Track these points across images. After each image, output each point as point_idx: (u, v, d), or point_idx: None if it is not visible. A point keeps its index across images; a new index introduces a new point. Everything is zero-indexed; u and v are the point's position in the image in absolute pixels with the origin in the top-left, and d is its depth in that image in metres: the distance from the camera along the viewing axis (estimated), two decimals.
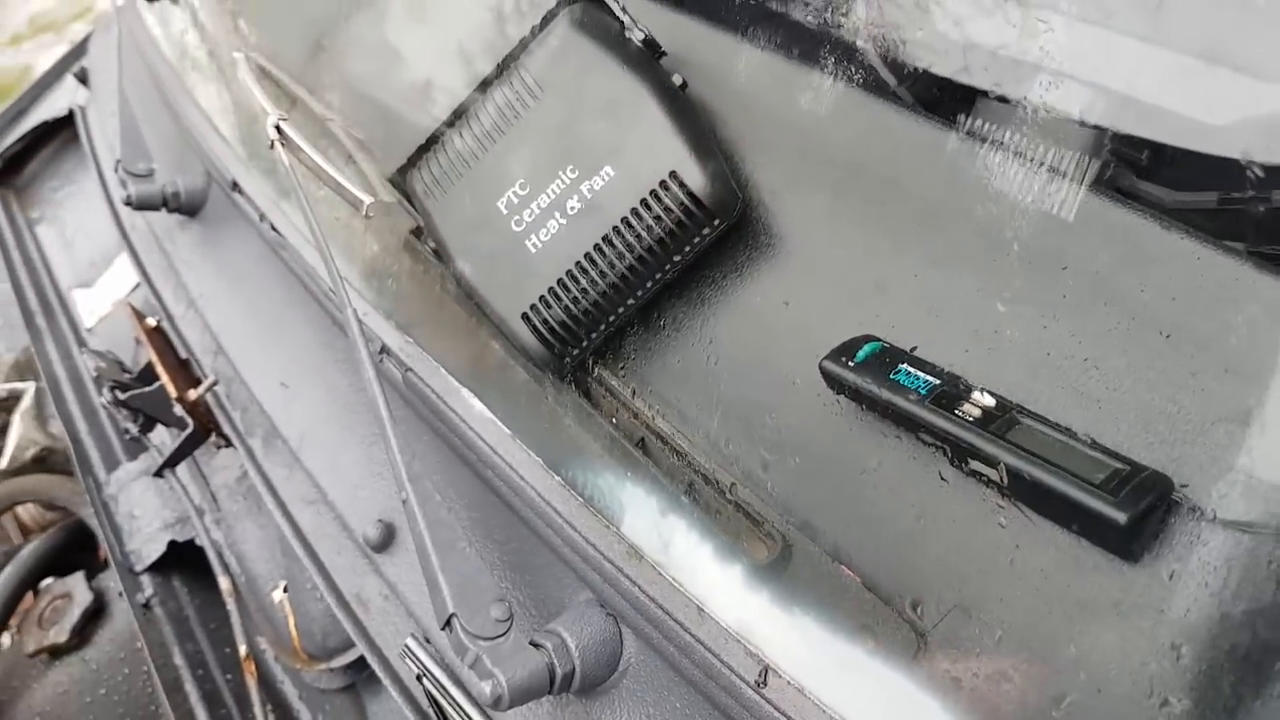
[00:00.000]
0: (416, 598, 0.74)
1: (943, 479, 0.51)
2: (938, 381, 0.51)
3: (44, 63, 4.61)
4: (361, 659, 0.83)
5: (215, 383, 0.95)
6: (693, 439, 0.63)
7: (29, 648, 1.20)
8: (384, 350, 0.77)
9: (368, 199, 0.76)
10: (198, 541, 1.02)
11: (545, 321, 0.67)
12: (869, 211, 0.61)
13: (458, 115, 0.74)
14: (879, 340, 0.55)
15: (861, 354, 0.54)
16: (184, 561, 1.06)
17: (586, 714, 0.65)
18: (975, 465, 0.49)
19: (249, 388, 0.95)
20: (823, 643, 0.55)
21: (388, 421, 0.66)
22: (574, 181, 0.66)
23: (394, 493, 0.75)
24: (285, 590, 0.90)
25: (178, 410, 0.96)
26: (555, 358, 0.67)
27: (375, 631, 0.77)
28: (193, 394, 0.94)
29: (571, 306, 0.66)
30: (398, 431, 0.66)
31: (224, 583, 0.92)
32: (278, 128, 0.82)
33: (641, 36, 0.70)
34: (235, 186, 1.02)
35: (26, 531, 1.63)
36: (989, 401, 0.50)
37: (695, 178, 0.63)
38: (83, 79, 1.85)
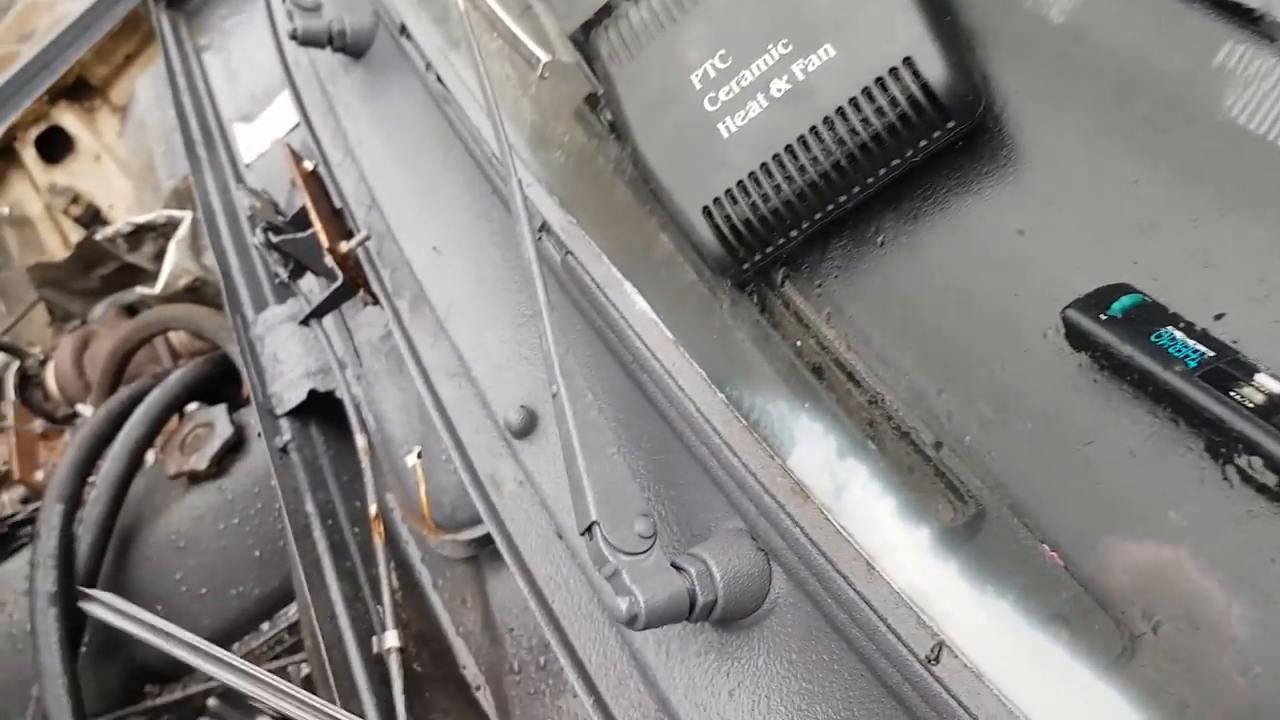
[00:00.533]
0: (553, 489, 0.71)
1: (1199, 472, 0.43)
2: (1211, 353, 0.42)
3: None
4: (487, 535, 0.81)
5: (367, 237, 0.93)
6: (891, 382, 0.56)
7: (170, 470, 1.25)
8: (544, 228, 0.72)
9: (545, 56, 0.69)
10: (338, 394, 1.02)
11: (728, 219, 0.60)
12: (1143, 134, 0.50)
13: None
14: (1140, 293, 0.46)
15: (1117, 306, 0.45)
16: (323, 411, 1.07)
17: (721, 644, 0.61)
18: (1245, 462, 0.41)
19: (400, 247, 0.92)
20: (1010, 626, 0.49)
21: (545, 308, 0.60)
22: (785, 58, 0.58)
23: (541, 379, 0.71)
24: (420, 456, 0.89)
25: (328, 261, 0.94)
26: (735, 261, 0.61)
27: (506, 515, 0.75)
28: (344, 246, 0.92)
29: (761, 204, 0.58)
30: (554, 319, 0.61)
31: (360, 440, 0.91)
32: None
33: None
34: (403, 30, 0.96)
35: (176, 356, 1.70)
36: (1276, 387, 0.41)
37: (933, 67, 0.53)
38: None
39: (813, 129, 0.56)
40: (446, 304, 0.83)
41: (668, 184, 0.62)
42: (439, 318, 0.84)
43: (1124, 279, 0.49)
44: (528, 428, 0.71)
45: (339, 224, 0.98)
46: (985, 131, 0.55)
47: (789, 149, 0.57)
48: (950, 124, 0.54)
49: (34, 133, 1.97)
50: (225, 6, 1.85)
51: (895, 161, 0.56)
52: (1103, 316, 0.45)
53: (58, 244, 2.00)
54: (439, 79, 0.87)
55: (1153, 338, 0.43)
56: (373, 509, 0.94)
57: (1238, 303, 0.45)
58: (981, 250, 0.54)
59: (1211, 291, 0.46)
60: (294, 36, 1.05)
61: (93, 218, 1.96)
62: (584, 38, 0.70)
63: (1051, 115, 0.54)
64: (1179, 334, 0.43)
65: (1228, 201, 0.47)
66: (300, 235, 0.98)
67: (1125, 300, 0.45)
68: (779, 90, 0.58)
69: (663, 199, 0.63)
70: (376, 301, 0.95)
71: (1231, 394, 0.40)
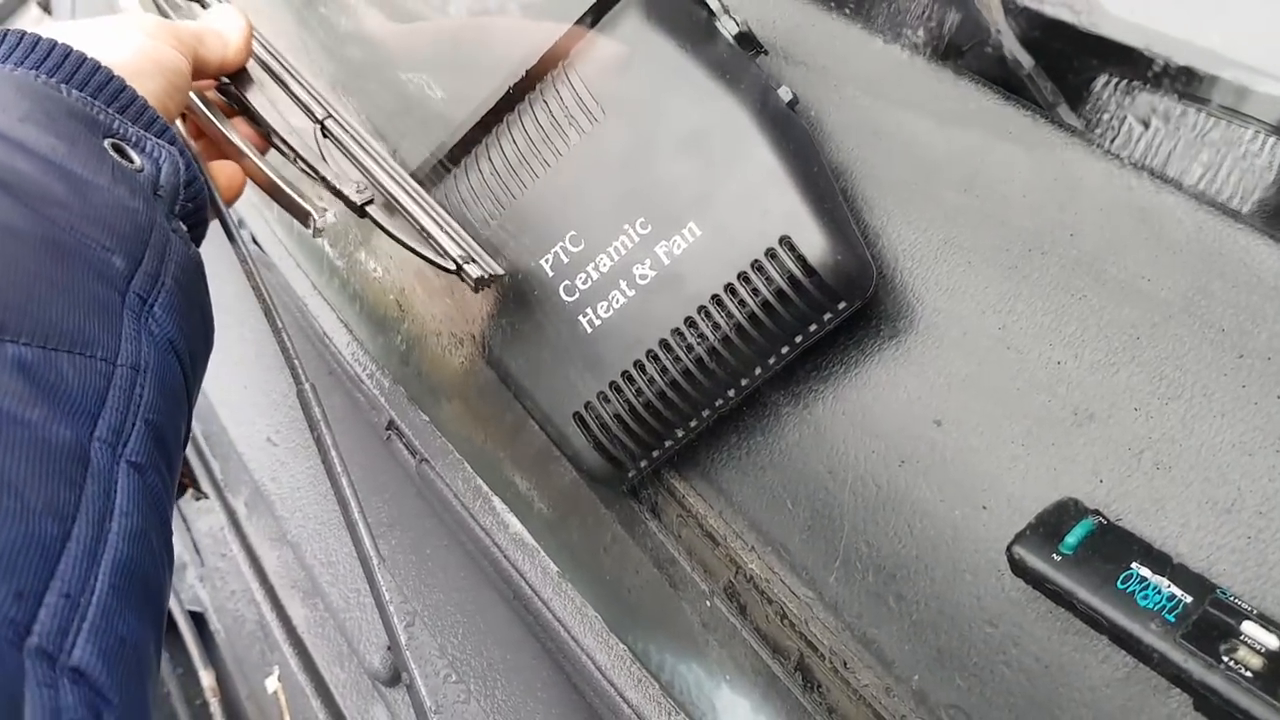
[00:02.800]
0: None
1: None
2: (1188, 597, 0.37)
3: None
4: None
5: (195, 435, 0.81)
6: (801, 594, 0.49)
7: None
8: (391, 426, 0.63)
9: (325, 211, 0.58)
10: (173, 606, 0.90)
11: (604, 426, 0.52)
12: (1072, 299, 0.45)
13: (485, 127, 0.58)
14: (1092, 515, 0.41)
15: (1071, 539, 0.39)
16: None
17: None
18: None
19: (229, 435, 0.81)
20: None
21: (371, 552, 0.51)
22: (645, 240, 0.51)
23: (396, 623, 0.62)
24: (281, 680, 0.78)
25: None
26: (618, 471, 0.53)
27: None
28: None
29: (639, 406, 0.51)
30: (384, 569, 0.52)
31: (206, 677, 0.79)
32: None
33: (735, 30, 0.53)
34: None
35: None
36: (1272, 642, 0.35)
37: (815, 245, 0.47)
38: None
39: (687, 320, 0.50)
40: (290, 508, 0.73)
41: (530, 388, 0.54)
42: (281, 522, 0.74)
43: (1064, 482, 0.43)
44: (397, 675, 0.61)
45: None
46: (883, 302, 0.49)
47: (663, 344, 0.50)
48: (840, 305, 0.48)
49: None
50: None
51: (784, 350, 0.49)
52: (1056, 556, 0.38)
53: None
54: (246, 245, 0.78)
55: (1120, 582, 0.37)
56: None
57: (1198, 511, 0.40)
58: (893, 443, 0.48)
59: (1166, 496, 0.41)
60: None
61: None
62: (436, 184, 0.61)
63: (961, 276, 0.48)
64: (1147, 573, 0.37)
65: (1170, 386, 0.42)
66: None
67: (1079, 530, 0.39)
68: (644, 277, 0.51)
69: (526, 404, 0.55)
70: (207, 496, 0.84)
71: (1223, 658, 0.35)
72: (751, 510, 0.51)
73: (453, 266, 0.53)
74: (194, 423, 0.86)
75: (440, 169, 0.60)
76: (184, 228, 0.46)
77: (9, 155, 0.38)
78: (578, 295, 0.53)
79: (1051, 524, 0.40)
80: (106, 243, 0.39)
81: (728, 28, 0.54)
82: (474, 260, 0.53)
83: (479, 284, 0.53)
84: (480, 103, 0.58)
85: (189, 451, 0.83)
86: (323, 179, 0.55)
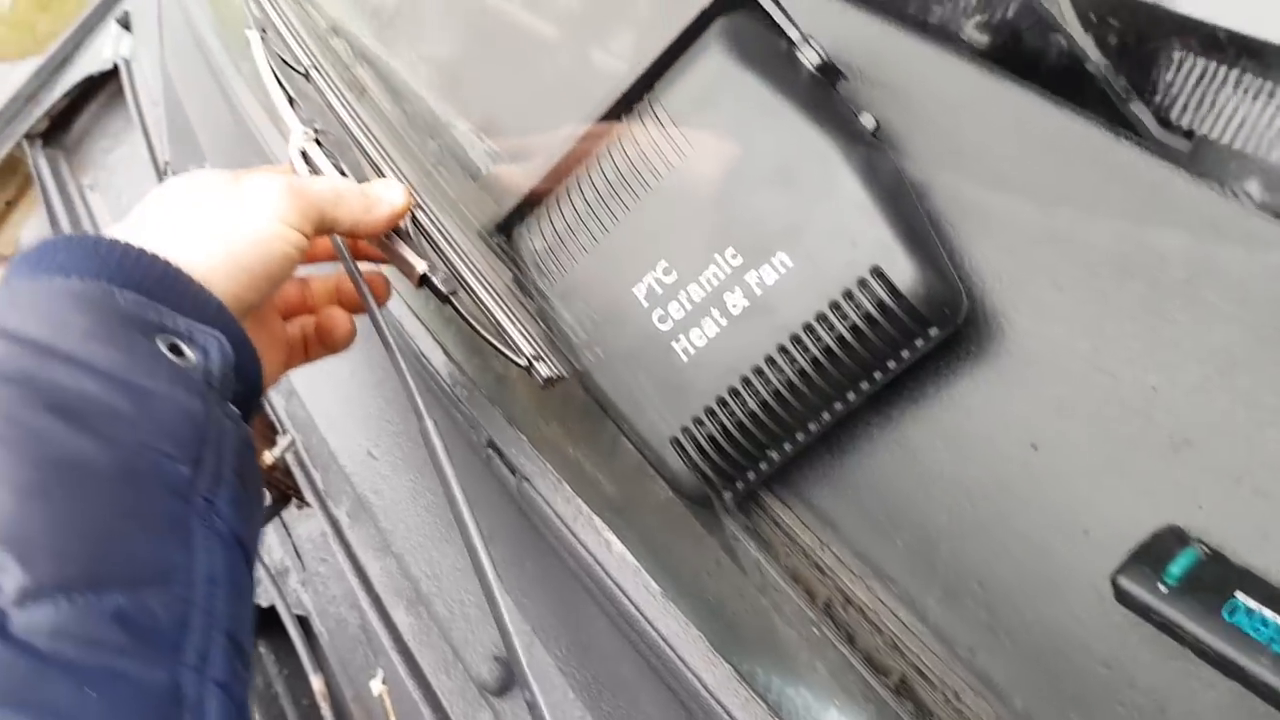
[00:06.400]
0: None
1: None
2: None
3: None
4: None
5: (292, 443, 0.86)
6: (904, 618, 0.51)
7: None
8: (491, 445, 0.66)
9: (420, 264, 0.61)
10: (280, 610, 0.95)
11: (701, 449, 0.54)
12: (1165, 323, 0.46)
13: (572, 162, 0.61)
14: (1196, 545, 0.42)
15: (1176, 569, 0.40)
16: (265, 628, 0.99)
17: None
18: None
19: (329, 446, 0.85)
20: None
21: (491, 572, 0.54)
22: (737, 271, 0.53)
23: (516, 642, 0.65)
24: (385, 683, 0.82)
25: None
26: (715, 493, 0.55)
27: None
28: (268, 456, 0.85)
29: (734, 430, 0.53)
30: (502, 589, 0.55)
31: (316, 682, 0.84)
32: (304, 154, 0.68)
33: (817, 60, 0.55)
34: None
35: None
36: None
37: (906, 274, 0.49)
38: (126, 24, 1.74)
39: (780, 348, 0.51)
40: (392, 520, 0.77)
41: (627, 413, 0.57)
42: (384, 534, 0.78)
43: (1163, 508, 0.44)
44: (505, 684, 0.64)
45: (260, 425, 0.91)
46: (974, 328, 0.51)
47: (757, 371, 0.52)
48: (932, 331, 0.49)
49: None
50: (106, 139, 1.77)
51: (877, 375, 0.51)
52: (1162, 585, 0.40)
53: None
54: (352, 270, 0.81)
55: (1225, 613, 0.38)
56: None
57: None
58: (993, 468, 0.49)
59: (1269, 524, 0.42)
60: None
61: None
62: (503, 237, 0.64)
63: (1047, 305, 0.49)
64: (1254, 604, 0.38)
65: (1269, 413, 0.43)
66: None
67: (1183, 560, 0.40)
68: (736, 306, 0.53)
69: (623, 429, 0.57)
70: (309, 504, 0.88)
71: None
72: (849, 532, 0.53)
73: (524, 362, 0.56)
74: (294, 433, 0.91)
75: (524, 208, 0.63)
76: (236, 410, 0.48)
77: (76, 379, 0.40)
78: (671, 323, 0.55)
79: (1154, 553, 0.42)
80: (172, 452, 0.41)
81: (809, 58, 0.55)
82: (544, 358, 0.56)
83: (548, 383, 0.56)
84: (561, 142, 0.60)
85: (291, 461, 0.88)
86: (411, 267, 0.58)
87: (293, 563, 0.96)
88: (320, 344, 0.65)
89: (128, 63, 1.63)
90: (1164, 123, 0.71)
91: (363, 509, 0.81)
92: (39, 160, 1.77)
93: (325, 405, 0.87)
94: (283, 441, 0.86)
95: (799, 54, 0.55)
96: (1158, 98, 0.76)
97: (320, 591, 0.92)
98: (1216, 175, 0.59)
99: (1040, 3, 0.76)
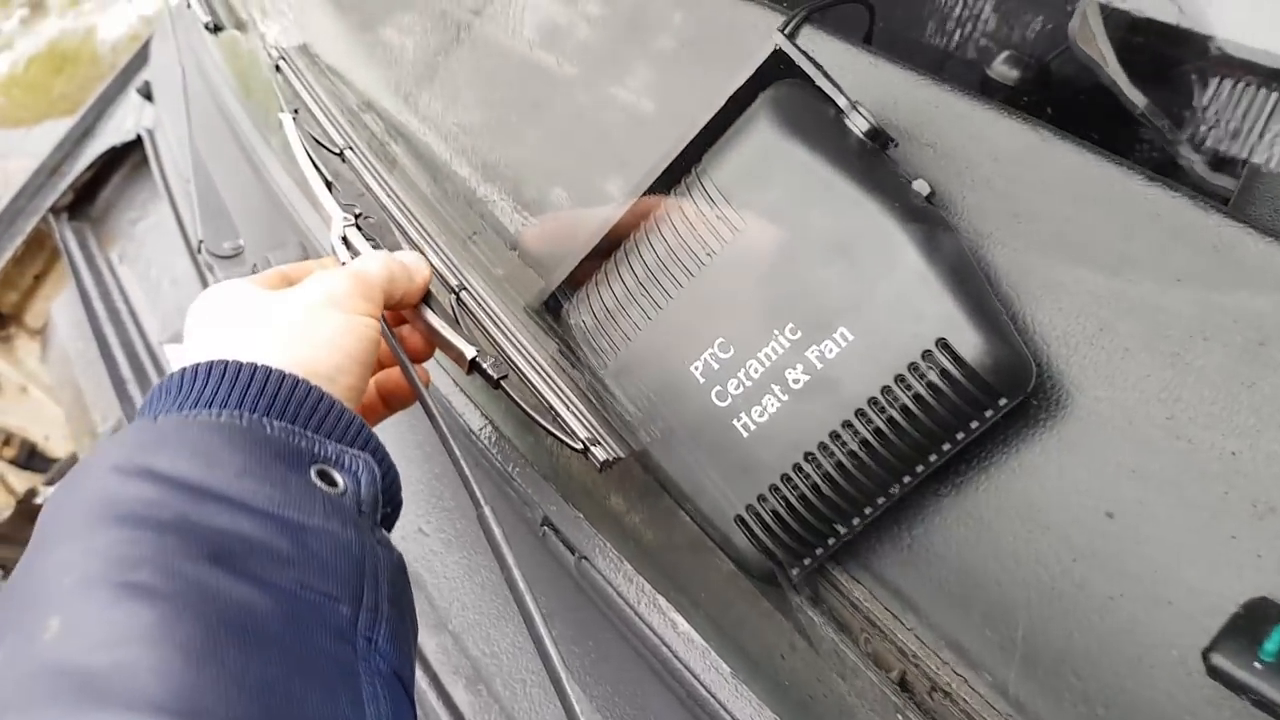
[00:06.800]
0: None
1: None
2: None
3: (107, 25, 4.59)
4: None
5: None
6: (984, 693, 0.50)
7: None
8: (546, 523, 0.66)
9: (469, 350, 0.62)
10: None
11: (766, 526, 0.54)
12: (1242, 387, 0.45)
13: (618, 235, 0.61)
14: None
15: (1271, 644, 0.39)
16: None
17: None
18: None
19: None
20: None
21: (555, 655, 0.54)
22: (796, 346, 0.53)
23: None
24: None
25: None
26: (782, 570, 0.55)
27: None
28: None
29: (800, 507, 0.53)
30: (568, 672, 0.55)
31: None
32: (345, 239, 0.69)
33: (866, 126, 0.55)
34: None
35: None
36: None
37: (971, 344, 0.48)
38: (147, 95, 1.76)
39: (845, 423, 0.51)
40: (446, 597, 0.77)
41: (689, 491, 0.56)
42: (439, 610, 0.77)
43: (1248, 576, 0.43)
44: None
45: None
46: (1043, 395, 0.50)
47: (822, 446, 0.52)
48: (1001, 401, 0.49)
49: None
50: (132, 209, 1.79)
51: (946, 447, 0.50)
52: (1258, 664, 0.39)
53: None
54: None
55: None
56: None
57: None
58: (1069, 536, 0.49)
59: None
60: None
61: (30, 454, 1.87)
62: (551, 314, 0.64)
63: (1117, 369, 0.49)
64: None
65: None
66: None
67: (1279, 635, 0.40)
68: (798, 382, 0.52)
69: (685, 507, 0.57)
70: None
71: None
72: (923, 605, 0.52)
73: (580, 446, 0.56)
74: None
75: (570, 283, 0.63)
76: (386, 535, 0.48)
77: (234, 520, 0.39)
78: (730, 400, 0.55)
79: (1247, 627, 0.41)
80: (333, 591, 0.41)
81: (858, 125, 0.55)
82: (600, 441, 0.56)
83: (605, 466, 0.56)
84: (605, 216, 0.61)
85: None
86: (460, 352, 0.59)
87: None
88: (385, 406, 0.64)
89: (151, 133, 1.66)
90: (1212, 162, 0.71)
91: (417, 586, 0.81)
92: (66, 233, 1.79)
93: None
94: None
95: (848, 121, 0.55)
96: (1204, 129, 0.76)
97: None
98: (1271, 203, 0.59)
99: (1080, 48, 0.76)
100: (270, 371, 0.46)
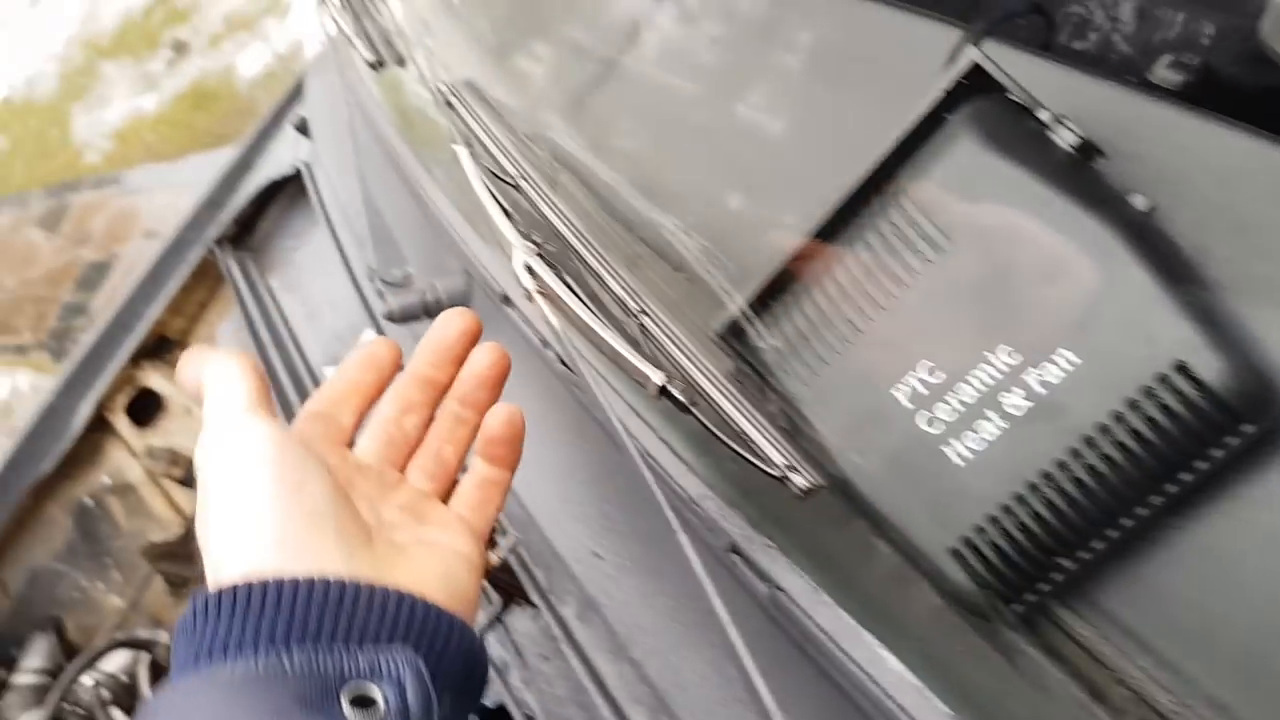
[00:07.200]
0: None
1: None
2: None
3: (245, 62, 4.86)
4: None
5: (518, 542, 0.87)
6: None
7: None
8: (734, 550, 0.65)
9: (657, 376, 0.62)
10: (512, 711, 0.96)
11: (984, 559, 0.52)
12: None
13: (807, 257, 0.60)
14: None
15: None
16: None
17: None
18: None
19: (550, 543, 0.86)
20: None
21: (764, 691, 0.53)
22: (1014, 370, 0.50)
23: None
24: None
25: None
26: (1001, 603, 0.52)
27: None
28: (493, 557, 0.87)
29: (1023, 540, 0.51)
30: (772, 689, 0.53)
31: None
32: (529, 269, 0.70)
33: (1074, 140, 0.52)
34: (507, 300, 0.92)
35: None
36: None
37: (1212, 367, 0.45)
38: (304, 130, 1.84)
39: (1072, 451, 0.49)
40: (625, 623, 0.77)
41: (896, 522, 0.55)
42: (617, 636, 0.77)
43: None
44: None
45: None
46: None
47: (1045, 475, 0.49)
48: (1246, 427, 0.46)
49: (122, 400, 2.01)
50: (290, 238, 1.88)
51: (1184, 476, 0.47)
52: None
53: (163, 506, 2.02)
54: (562, 361, 0.83)
55: None
56: None
57: None
58: None
59: None
60: (391, 318, 1.03)
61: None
62: (736, 337, 0.64)
63: None
64: None
65: None
66: None
67: None
68: (1017, 408, 0.50)
69: (892, 538, 0.55)
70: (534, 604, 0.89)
71: None
72: (1164, 649, 0.49)
73: (778, 473, 0.55)
74: (510, 530, 0.92)
75: (758, 306, 0.62)
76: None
77: None
78: (941, 427, 0.53)
79: None
80: None
81: (1066, 139, 0.52)
82: (798, 468, 0.55)
83: (805, 494, 0.54)
84: (792, 235, 0.60)
85: (514, 561, 0.89)
86: (646, 377, 0.58)
87: (513, 659, 0.97)
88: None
89: (309, 166, 1.73)
90: None
91: (592, 610, 0.81)
92: (229, 262, 1.89)
93: (543, 502, 0.88)
94: (505, 542, 0.87)
95: (1053, 136, 0.53)
96: None
97: (544, 691, 0.93)
98: None
99: (1270, 47, 0.71)
100: (283, 585, 0.41)
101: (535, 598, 0.87)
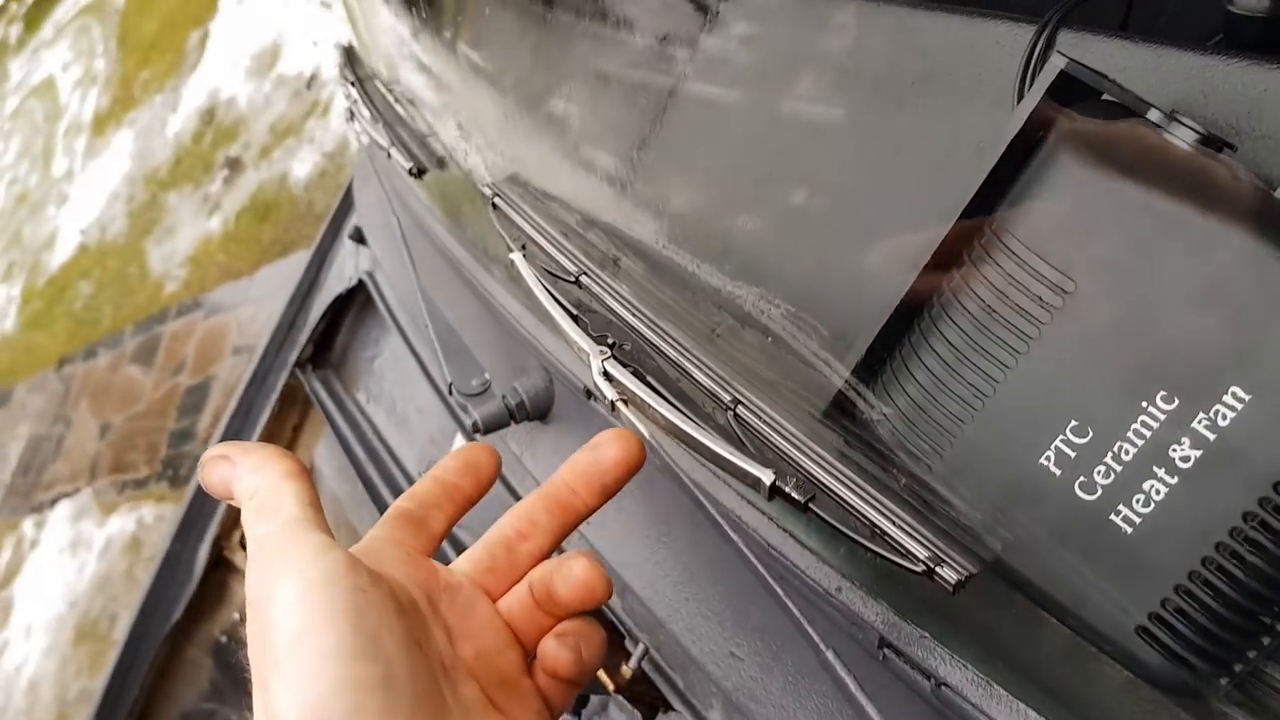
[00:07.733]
0: None
1: None
2: None
3: (297, 167, 5.00)
4: None
5: (647, 651, 0.83)
6: None
7: None
8: (886, 644, 0.59)
9: (767, 479, 0.57)
10: None
11: (1178, 634, 0.45)
12: None
13: (914, 307, 0.54)
14: None
15: None
16: None
17: None
18: None
19: (683, 646, 0.81)
20: None
21: None
22: (1174, 416, 0.44)
23: None
24: None
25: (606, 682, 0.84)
26: (1205, 680, 0.46)
27: None
28: (626, 670, 0.82)
29: (1221, 607, 0.44)
30: None
31: None
32: (605, 373, 0.66)
33: (1194, 136, 0.46)
34: (590, 395, 0.89)
35: None
36: None
37: None
38: (360, 239, 1.86)
39: (1261, 499, 0.42)
40: None
41: (1068, 603, 0.48)
42: None
43: None
44: None
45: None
46: None
47: (1234, 531, 0.43)
48: None
49: (237, 536, 2.04)
50: (367, 348, 1.88)
51: None
52: None
53: None
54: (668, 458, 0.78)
55: None
56: None
57: None
58: None
59: None
60: (477, 430, 1.00)
61: None
62: (844, 414, 0.58)
63: None
64: None
65: None
66: None
67: None
68: (1185, 459, 0.44)
69: (1069, 623, 0.49)
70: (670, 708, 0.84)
71: None
72: None
73: (921, 569, 0.49)
74: (639, 634, 0.88)
75: (861, 376, 0.57)
76: None
77: None
78: (1101, 492, 0.46)
79: None
80: None
81: (1184, 137, 0.46)
82: (946, 559, 0.49)
83: (957, 588, 0.48)
84: (885, 293, 0.54)
85: (649, 668, 0.84)
86: (755, 478, 0.54)
87: None
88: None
89: (371, 275, 1.74)
90: None
91: (740, 713, 0.76)
92: (314, 384, 1.90)
93: (669, 602, 0.83)
94: (637, 651, 0.83)
95: (1168, 135, 0.47)
96: None
97: None
98: None
99: None
100: None
101: (678, 704, 0.82)
